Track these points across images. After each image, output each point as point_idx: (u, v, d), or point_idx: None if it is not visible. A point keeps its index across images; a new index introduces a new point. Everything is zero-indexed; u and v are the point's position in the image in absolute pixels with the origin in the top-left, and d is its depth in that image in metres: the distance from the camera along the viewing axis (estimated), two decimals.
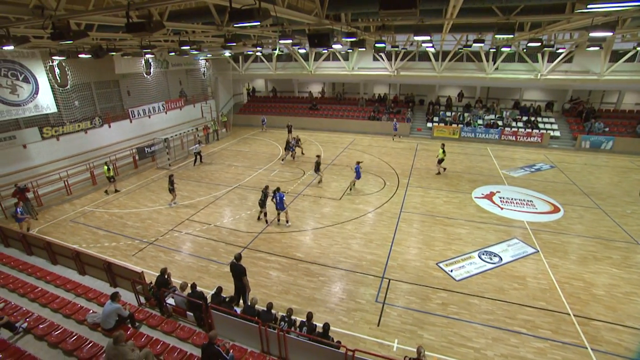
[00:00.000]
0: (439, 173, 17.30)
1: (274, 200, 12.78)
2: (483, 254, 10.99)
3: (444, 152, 17.07)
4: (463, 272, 10.37)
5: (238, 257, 9.50)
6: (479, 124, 24.65)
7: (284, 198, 12.95)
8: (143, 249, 12.50)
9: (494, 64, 22.11)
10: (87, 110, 21.03)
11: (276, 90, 37.03)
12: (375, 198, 15.27)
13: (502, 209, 13.45)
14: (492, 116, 24.57)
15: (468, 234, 12.24)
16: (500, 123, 24.05)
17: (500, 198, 14.27)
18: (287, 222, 12.97)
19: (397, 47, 19.46)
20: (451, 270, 10.51)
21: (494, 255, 10.90)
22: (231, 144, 27.11)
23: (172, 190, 14.77)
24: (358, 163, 15.12)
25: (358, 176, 15.06)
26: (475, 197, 14.63)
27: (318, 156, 15.77)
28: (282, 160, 19.85)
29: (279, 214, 13.21)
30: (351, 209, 14.36)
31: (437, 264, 10.89)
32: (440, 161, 17.29)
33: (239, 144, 27.02)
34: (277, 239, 12.67)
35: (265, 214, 13.22)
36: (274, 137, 28.47)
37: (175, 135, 22.72)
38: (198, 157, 21.54)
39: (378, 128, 28.29)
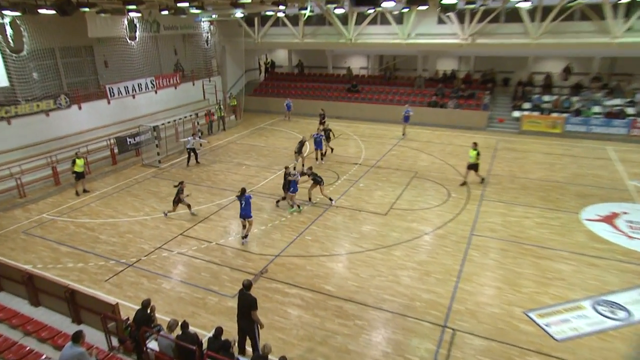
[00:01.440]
0: (464, 184, 17.21)
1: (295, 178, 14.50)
2: (600, 305, 9.90)
3: (477, 154, 16.80)
4: (567, 328, 9.28)
5: (247, 285, 9.03)
6: (594, 113, 22.00)
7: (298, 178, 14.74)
8: (120, 273, 12.45)
9: (626, 21, 18.41)
10: (49, 86, 21.43)
11: (303, 66, 37.44)
12: (435, 214, 15.22)
13: (631, 238, 12.23)
14: (618, 101, 21.70)
15: (575, 272, 11.34)
16: (630, 111, 21.26)
17: (629, 223, 12.96)
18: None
19: (474, 2, 18.32)
20: (548, 325, 9.47)
21: (619, 308, 9.76)
22: (242, 136, 27.71)
23: (177, 202, 15.06)
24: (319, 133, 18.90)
25: (319, 147, 18.08)
26: (587, 220, 13.72)
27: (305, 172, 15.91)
28: (301, 165, 19.69)
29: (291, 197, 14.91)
30: (401, 228, 14.32)
31: (525, 313, 10.02)
32: (472, 167, 17.04)
33: (252, 136, 27.55)
34: (300, 265, 12.49)
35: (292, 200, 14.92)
36: (300, 127, 28.82)
37: (168, 122, 23.05)
38: (192, 154, 21.65)
39: (442, 118, 27.51)
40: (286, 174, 15.61)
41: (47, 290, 9.97)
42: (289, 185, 15.43)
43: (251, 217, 13.42)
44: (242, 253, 13.26)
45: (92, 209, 16.84)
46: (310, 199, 15.95)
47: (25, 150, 19.78)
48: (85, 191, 18.44)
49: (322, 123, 25.81)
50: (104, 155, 22.30)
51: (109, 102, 23.72)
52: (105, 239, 14.39)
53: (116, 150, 22.29)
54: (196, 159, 21.70)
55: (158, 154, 21.88)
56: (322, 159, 20.82)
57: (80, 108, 22.32)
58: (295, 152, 20.06)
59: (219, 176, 19.73)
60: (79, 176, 18.26)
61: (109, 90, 23.61)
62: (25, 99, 20.05)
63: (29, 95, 20.15)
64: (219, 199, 17.18)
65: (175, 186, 15.70)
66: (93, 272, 12.60)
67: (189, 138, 21.44)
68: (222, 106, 28.89)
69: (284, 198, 15.78)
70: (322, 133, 21.30)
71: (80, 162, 18.11)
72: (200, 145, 23.73)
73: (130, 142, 22.64)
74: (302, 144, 19.63)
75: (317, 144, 20.73)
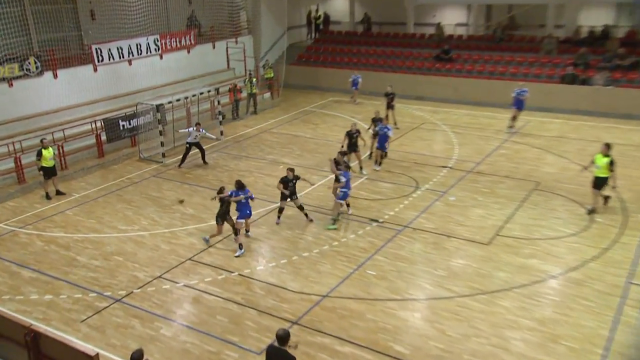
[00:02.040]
0: (605, 200, 17.17)
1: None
2: None
3: (611, 162, 16.35)
4: None
5: (283, 336, 8.88)
6: None
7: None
8: (102, 311, 12.58)
9: None
10: (13, 44, 22.11)
11: (370, 21, 37.89)
12: (568, 248, 15.03)
13: None
14: None
15: None
16: None
17: None
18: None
19: None
20: None
21: None
22: (279, 123, 28.35)
23: (223, 218, 15.32)
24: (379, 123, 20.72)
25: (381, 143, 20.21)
26: None
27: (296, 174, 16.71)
28: (378, 165, 20.83)
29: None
30: (513, 267, 14.20)
31: None
32: (599, 183, 16.75)
33: (294, 124, 28.13)
34: (358, 312, 12.48)
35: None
36: (366, 111, 29.14)
37: (177, 100, 23.56)
38: (193, 150, 21.81)
39: (584, 100, 26.86)
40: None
41: (0, 331, 10.26)
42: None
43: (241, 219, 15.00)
44: (274, 289, 13.22)
45: (67, 219, 17.22)
46: (348, 206, 17.08)
47: None
48: (59, 193, 19.05)
49: (390, 106, 25.56)
50: (87, 144, 22.97)
51: (95, 69, 24.46)
52: (84, 262, 14.64)
53: (104, 138, 22.95)
54: (203, 157, 21.98)
55: (162, 144, 22.29)
56: (379, 163, 20.60)
57: (55, 76, 23.11)
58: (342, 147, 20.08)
59: (246, 178, 19.83)
60: (49, 173, 18.87)
61: (97, 52, 24.35)
62: None
63: None
64: (253, 210, 17.29)
65: (215, 195, 15.59)
66: (66, 309, 12.63)
67: (190, 129, 21.79)
68: (253, 79, 29.49)
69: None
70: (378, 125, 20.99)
71: (48, 153, 18.74)
72: (218, 137, 24.15)
73: (123, 126, 23.29)
74: (353, 134, 20.01)
75: (381, 142, 20.46)
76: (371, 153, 21.47)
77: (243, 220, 15.21)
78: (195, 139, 21.42)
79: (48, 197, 18.82)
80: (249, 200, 15.07)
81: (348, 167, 16.75)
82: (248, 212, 15.07)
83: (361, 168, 20.04)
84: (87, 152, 22.74)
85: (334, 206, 16.43)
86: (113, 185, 20.08)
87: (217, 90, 25.04)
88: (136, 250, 15.18)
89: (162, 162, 22.17)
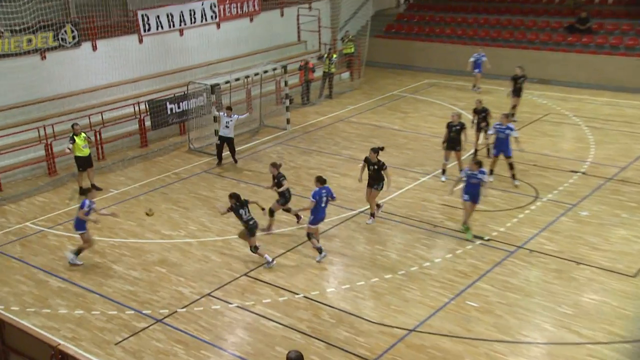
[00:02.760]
0: None
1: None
2: None
3: None
4: None
5: None
6: None
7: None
8: (141, 332, 12.93)
9: None
10: (47, 9, 22.98)
11: None
12: None
13: None
14: None
15: None
16: None
17: None
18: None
19: None
20: None
21: None
22: (360, 110, 28.49)
23: (272, 210, 16.63)
24: None
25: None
26: None
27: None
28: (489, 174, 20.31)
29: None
30: None
31: None
32: None
33: (378, 112, 28.21)
34: (453, 353, 12.27)
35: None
36: (483, 99, 28.88)
37: (236, 79, 24.11)
38: (224, 147, 21.84)
39: None
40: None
41: (22, 348, 10.64)
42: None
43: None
44: (347, 318, 13.21)
45: (104, 220, 17.65)
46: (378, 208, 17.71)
47: (2, 114, 21.72)
48: (94, 188, 19.61)
49: (516, 93, 24.92)
50: (128, 131, 23.84)
51: (140, 40, 25.34)
52: (121, 272, 15.18)
53: (148, 124, 23.73)
54: (232, 154, 21.93)
55: (217, 133, 22.61)
56: (514, 176, 19.65)
57: (94, 48, 24.08)
58: (443, 142, 19.86)
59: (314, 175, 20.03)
60: (83, 164, 19.57)
61: (143, 19, 25.28)
62: (7, 28, 21.88)
63: (12, 24, 21.92)
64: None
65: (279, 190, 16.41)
66: (98, 327, 13.02)
67: (221, 113, 21.68)
68: (333, 55, 29.68)
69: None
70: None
71: (80, 140, 19.36)
72: (250, 114, 23.47)
73: (171, 110, 24.01)
74: (454, 126, 19.78)
75: (500, 146, 19.34)
76: (476, 151, 21.21)
77: (317, 226, 15.48)
78: (226, 128, 21.39)
79: (82, 192, 19.55)
80: (328, 200, 15.46)
81: None
82: (324, 215, 15.49)
83: (461, 171, 19.77)
84: (128, 141, 23.60)
85: (466, 213, 16.45)
86: (157, 180, 20.66)
87: (284, 68, 25.24)
88: (182, 261, 15.55)
89: (215, 154, 22.61)
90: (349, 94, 30.31)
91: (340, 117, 26.83)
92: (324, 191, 15.26)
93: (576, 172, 20.24)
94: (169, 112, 23.81)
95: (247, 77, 24.51)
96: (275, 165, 16.76)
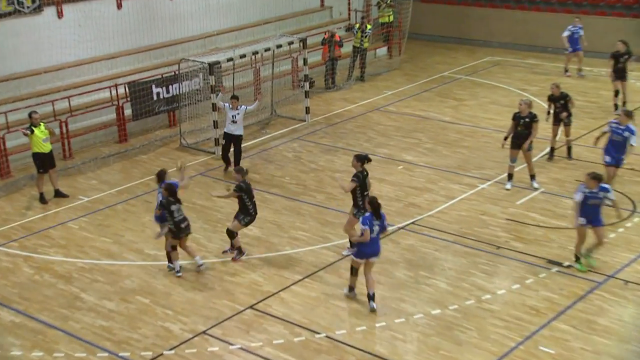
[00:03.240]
0: None
1: None
2: None
3: None
4: None
5: None
6: None
7: None
8: None
9: None
10: None
11: None
12: None
13: None
14: None
15: None
16: None
17: None
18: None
19: None
20: None
21: None
22: (399, 96, 28.53)
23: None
24: None
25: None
26: None
27: None
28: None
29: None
30: None
31: None
32: None
33: (423, 98, 28.26)
34: None
35: None
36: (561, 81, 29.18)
37: (241, 56, 24.00)
38: (230, 145, 21.41)
39: None
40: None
41: None
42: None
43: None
44: None
45: (70, 235, 17.70)
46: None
47: None
48: (59, 195, 19.71)
49: (620, 75, 24.57)
50: (102, 121, 23.84)
51: (119, 5, 25.43)
52: (92, 303, 14.93)
53: (128, 112, 23.71)
54: (237, 156, 21.30)
55: (215, 125, 22.74)
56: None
57: (60, 14, 24.12)
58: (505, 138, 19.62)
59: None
60: (44, 162, 19.43)
61: None
62: None
63: None
64: (337, 235, 17.45)
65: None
66: None
67: (226, 104, 21.33)
68: (368, 27, 29.60)
69: None
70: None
71: (40, 132, 19.22)
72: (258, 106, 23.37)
73: (158, 95, 24.03)
74: (523, 118, 19.39)
75: (614, 150, 18.53)
76: (552, 151, 21.02)
77: (363, 260, 14.65)
78: (233, 123, 21.00)
79: (43, 199, 19.52)
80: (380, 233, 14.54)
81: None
82: (376, 249, 14.50)
83: (532, 177, 19.66)
84: (102, 134, 23.61)
85: (579, 239, 15.74)
86: (140, 185, 20.61)
87: (303, 42, 25.22)
88: (170, 289, 15.39)
89: (214, 152, 22.54)
90: (387, 76, 30.32)
91: (375, 105, 26.80)
92: (376, 221, 14.28)
93: None
94: (155, 97, 23.82)
95: (255, 53, 24.45)
96: (240, 172, 16.44)
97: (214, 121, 22.51)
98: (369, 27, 29.36)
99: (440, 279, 15.72)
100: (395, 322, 14.19)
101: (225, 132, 21.32)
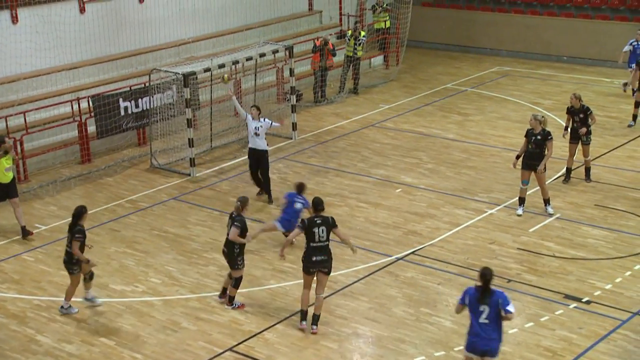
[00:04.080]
0: None
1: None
2: None
3: None
4: None
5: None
6: None
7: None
8: None
9: None
10: None
11: None
12: None
13: None
14: None
15: None
16: None
17: None
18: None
19: None
20: None
21: None
22: (398, 110, 28.67)
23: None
24: None
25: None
26: None
27: None
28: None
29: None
30: None
31: None
32: None
33: (424, 113, 28.39)
34: None
35: None
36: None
37: (220, 66, 23.92)
38: (256, 163, 21.05)
39: None
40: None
41: None
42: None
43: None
44: None
45: (25, 268, 17.66)
46: None
47: None
48: (25, 233, 19.35)
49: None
50: (63, 140, 23.78)
51: (82, 9, 25.42)
52: (49, 346, 14.69)
53: (92, 129, 23.64)
54: (264, 173, 21.06)
55: (191, 143, 22.76)
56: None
57: (15, 19, 24.11)
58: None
59: (334, 209, 19.98)
60: (5, 192, 19.06)
61: None
62: None
63: None
64: (339, 266, 16.70)
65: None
66: None
67: (248, 115, 21.01)
68: (362, 33, 29.74)
69: None
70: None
71: (6, 162, 18.85)
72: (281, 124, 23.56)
73: (126, 110, 24.01)
74: (535, 135, 19.33)
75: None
76: (569, 172, 21.02)
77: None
78: (255, 136, 20.72)
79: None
80: None
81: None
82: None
83: (546, 202, 19.69)
84: (62, 154, 23.54)
85: None
86: (105, 212, 20.54)
87: (289, 50, 25.30)
88: (139, 330, 15.24)
89: (189, 174, 22.53)
90: (383, 88, 30.45)
91: (370, 120, 26.88)
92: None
93: None
94: (122, 112, 23.80)
95: (235, 62, 24.43)
96: (242, 201, 15.78)
97: (189, 139, 22.50)
98: (362, 33, 29.47)
99: (444, 317, 15.65)
100: None
101: (249, 148, 20.98)
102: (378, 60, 32.58)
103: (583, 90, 27.15)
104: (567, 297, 16.05)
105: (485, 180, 21.88)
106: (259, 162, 20.94)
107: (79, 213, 15.45)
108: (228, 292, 15.93)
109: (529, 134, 19.29)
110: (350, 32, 29.29)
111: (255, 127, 20.56)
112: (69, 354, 14.57)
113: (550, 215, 19.57)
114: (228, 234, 15.31)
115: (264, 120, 20.77)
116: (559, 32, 31.19)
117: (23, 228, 19.15)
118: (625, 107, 26.20)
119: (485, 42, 33.97)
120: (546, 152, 19.11)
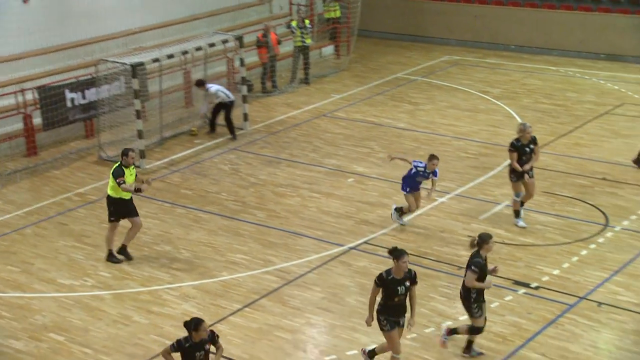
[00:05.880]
0: None
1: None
2: None
3: None
4: None
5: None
6: None
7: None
8: None
9: None
10: None
11: None
12: None
13: None
14: None
15: None
16: None
17: None
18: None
19: None
20: None
21: None
22: (349, 100, 28.68)
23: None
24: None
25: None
26: None
27: None
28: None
29: None
30: None
31: None
32: None
33: (375, 102, 28.42)
34: None
35: None
36: (504, 81, 29.51)
37: (169, 56, 23.84)
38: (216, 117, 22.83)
39: None
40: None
41: None
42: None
43: None
44: None
45: None
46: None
47: None
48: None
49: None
50: (8, 132, 23.44)
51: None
52: None
53: (38, 121, 23.44)
54: (230, 128, 22.94)
55: (140, 135, 22.68)
56: None
57: None
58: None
59: (286, 200, 20.18)
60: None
61: None
62: None
63: None
64: (292, 257, 17.39)
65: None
66: None
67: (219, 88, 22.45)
68: (306, 21, 29.75)
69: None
70: None
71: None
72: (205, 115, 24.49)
73: (73, 101, 23.73)
74: (524, 147, 18.54)
75: None
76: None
77: None
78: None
79: None
80: None
81: None
82: None
83: (517, 214, 18.91)
84: (7, 147, 23.22)
85: None
86: (52, 205, 20.36)
87: (239, 40, 25.22)
88: (89, 324, 15.09)
89: (139, 165, 22.07)
90: (334, 77, 30.47)
91: (322, 110, 26.91)
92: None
93: None
94: (69, 104, 23.53)
95: (185, 53, 24.40)
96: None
97: (138, 130, 22.38)
98: (307, 22, 29.45)
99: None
100: (347, 354, 14.16)
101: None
102: (329, 50, 32.59)
103: (530, 79, 27.47)
104: (516, 283, 16.23)
105: (442, 170, 21.75)
106: (226, 113, 23.77)
107: None
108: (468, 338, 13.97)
109: (518, 147, 18.14)
110: (294, 22, 29.30)
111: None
112: (16, 350, 14.43)
113: (519, 225, 18.87)
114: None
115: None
116: (506, 21, 31.41)
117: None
118: (571, 94, 26.42)
119: (435, 31, 34.07)
120: (534, 156, 18.30)
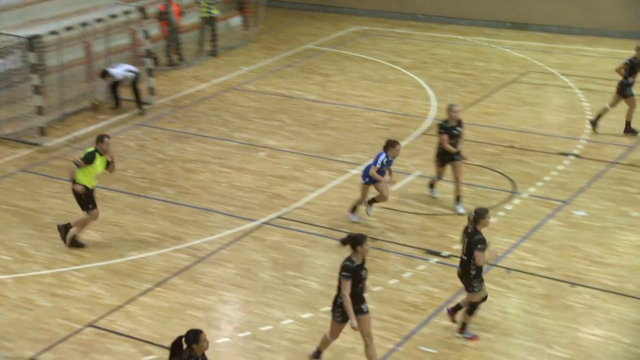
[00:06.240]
0: None
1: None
2: None
3: None
4: None
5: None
6: None
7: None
8: None
9: None
10: None
11: None
12: None
13: None
14: None
15: None
16: None
17: None
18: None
19: None
20: None
21: None
22: (259, 73, 28.66)
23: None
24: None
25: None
26: None
27: None
28: None
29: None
30: None
31: None
32: None
33: (285, 74, 28.51)
34: None
35: None
36: (413, 50, 29.61)
37: (67, 28, 23.41)
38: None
39: None
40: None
41: None
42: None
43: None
44: None
45: None
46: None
47: None
48: None
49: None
50: None
51: None
52: None
53: None
54: (137, 100, 23.09)
55: (40, 111, 22.23)
56: None
57: None
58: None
59: (196, 176, 20.07)
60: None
61: None
62: None
63: None
64: (203, 234, 17.37)
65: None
66: None
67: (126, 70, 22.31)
68: None
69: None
70: None
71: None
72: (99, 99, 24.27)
73: None
74: (453, 128, 18.29)
75: None
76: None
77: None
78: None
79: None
80: None
81: None
82: None
83: (457, 200, 18.57)
84: None
85: None
86: None
87: (142, 11, 24.97)
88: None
89: (38, 144, 21.98)
90: (243, 50, 30.40)
91: (231, 83, 26.80)
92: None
93: (567, 154, 20.66)
94: None
95: (84, 25, 23.90)
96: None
97: (37, 106, 21.94)
98: None
99: (310, 279, 15.84)
100: (262, 330, 14.17)
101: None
102: (236, 20, 32.41)
103: (438, 48, 27.61)
104: (429, 252, 16.43)
105: (347, 140, 22.10)
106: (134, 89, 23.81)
107: None
108: (462, 318, 13.97)
109: (447, 128, 17.94)
110: None
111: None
112: None
113: (459, 212, 18.43)
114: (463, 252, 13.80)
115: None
116: None
117: None
118: (479, 64, 26.73)
119: (343, 1, 34.14)
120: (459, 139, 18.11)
